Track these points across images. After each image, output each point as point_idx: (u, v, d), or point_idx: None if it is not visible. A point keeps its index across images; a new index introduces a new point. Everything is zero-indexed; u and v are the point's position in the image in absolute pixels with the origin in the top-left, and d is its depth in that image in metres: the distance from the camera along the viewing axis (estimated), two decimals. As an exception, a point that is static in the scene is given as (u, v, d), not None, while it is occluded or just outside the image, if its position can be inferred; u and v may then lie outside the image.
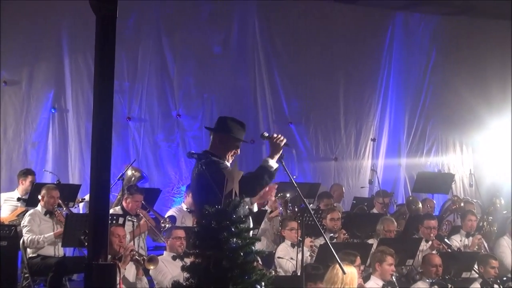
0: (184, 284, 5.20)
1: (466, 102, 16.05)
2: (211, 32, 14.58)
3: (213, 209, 5.16)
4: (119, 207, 10.46)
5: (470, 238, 11.17)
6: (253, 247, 5.25)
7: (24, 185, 11.27)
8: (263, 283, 5.21)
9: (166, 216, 10.75)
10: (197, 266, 5.13)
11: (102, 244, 5.60)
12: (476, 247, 10.87)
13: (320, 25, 15.50)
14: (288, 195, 11.10)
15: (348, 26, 15.72)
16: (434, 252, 10.15)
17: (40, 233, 9.61)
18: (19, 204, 11.11)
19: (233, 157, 6.57)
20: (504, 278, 9.49)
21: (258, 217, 10.02)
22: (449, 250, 10.31)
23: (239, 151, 6.62)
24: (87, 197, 11.10)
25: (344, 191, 14.00)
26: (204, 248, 5.13)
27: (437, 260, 9.11)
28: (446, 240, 10.61)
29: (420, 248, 10.16)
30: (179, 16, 14.30)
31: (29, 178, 11.29)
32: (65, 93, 13.25)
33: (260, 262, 8.11)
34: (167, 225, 9.90)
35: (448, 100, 16.25)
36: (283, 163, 6.66)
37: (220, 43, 14.66)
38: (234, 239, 5.10)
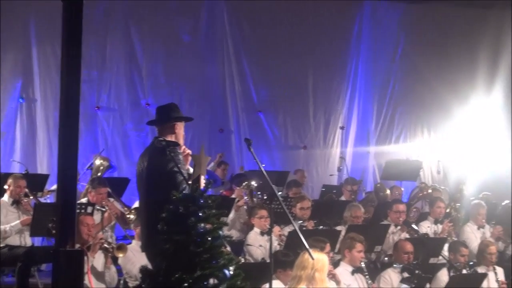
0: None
1: (434, 90, 16.16)
2: (180, 20, 14.56)
3: (180, 195, 5.19)
4: (86, 198, 10.29)
5: (439, 225, 11.26)
6: (220, 232, 5.27)
7: None
8: (231, 268, 5.23)
9: (133, 207, 10.50)
10: (165, 252, 5.14)
11: (69, 231, 5.60)
12: (447, 233, 10.98)
13: (289, 15, 15.53)
14: (253, 182, 11.09)
15: (317, 15, 15.75)
16: (404, 234, 10.26)
17: (6, 224, 9.50)
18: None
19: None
20: (471, 263, 9.58)
21: (226, 205, 10.01)
22: (416, 236, 10.40)
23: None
24: (53, 187, 11.01)
25: (306, 175, 14.07)
26: (172, 233, 5.15)
27: (409, 247, 9.13)
28: (413, 226, 10.70)
29: (390, 230, 10.25)
30: (147, 4, 14.26)
31: None
32: (33, 83, 13.20)
33: (229, 249, 8.11)
34: (131, 216, 9.72)
35: (416, 87, 16.36)
36: (252, 150, 6.68)
37: (189, 31, 14.65)
38: (202, 224, 5.12)
